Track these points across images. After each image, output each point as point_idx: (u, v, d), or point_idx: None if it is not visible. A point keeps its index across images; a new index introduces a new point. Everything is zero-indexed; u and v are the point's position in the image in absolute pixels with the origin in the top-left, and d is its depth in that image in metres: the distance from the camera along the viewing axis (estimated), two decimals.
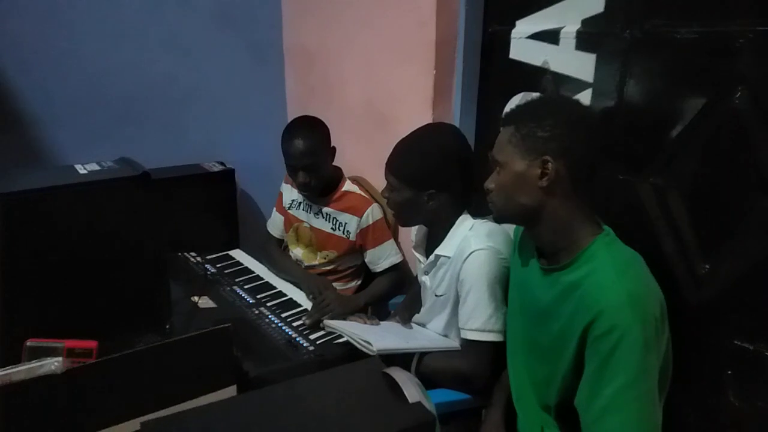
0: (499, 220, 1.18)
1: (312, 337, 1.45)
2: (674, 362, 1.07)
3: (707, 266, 1.16)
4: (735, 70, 1.07)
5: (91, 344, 1.05)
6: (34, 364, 0.89)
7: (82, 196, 1.16)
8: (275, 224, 2.03)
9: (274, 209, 2.04)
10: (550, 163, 1.02)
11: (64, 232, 1.13)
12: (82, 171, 1.22)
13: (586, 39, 1.35)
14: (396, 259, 1.82)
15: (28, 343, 1.03)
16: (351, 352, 1.33)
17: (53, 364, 0.89)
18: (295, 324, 1.51)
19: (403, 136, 1.41)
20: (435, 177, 1.33)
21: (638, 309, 0.94)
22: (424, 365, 1.33)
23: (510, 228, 1.31)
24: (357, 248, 1.85)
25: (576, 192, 1.05)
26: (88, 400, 0.90)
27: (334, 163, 1.86)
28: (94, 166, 1.25)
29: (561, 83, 1.43)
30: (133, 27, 2.17)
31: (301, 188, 1.82)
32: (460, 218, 1.36)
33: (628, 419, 0.95)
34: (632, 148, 1.28)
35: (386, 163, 1.39)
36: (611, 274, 0.98)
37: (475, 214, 1.35)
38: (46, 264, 1.12)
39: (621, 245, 1.06)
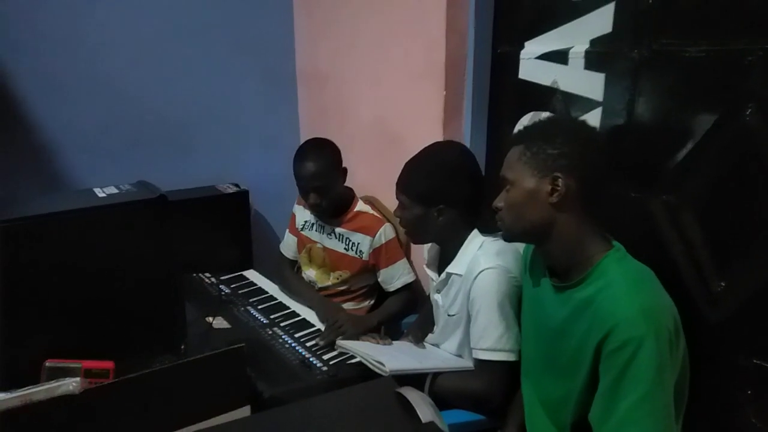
0: (508, 239, 1.19)
1: (325, 357, 1.45)
2: (692, 381, 1.05)
3: (722, 283, 1.15)
4: (745, 87, 1.07)
5: (108, 365, 1.07)
6: (53, 384, 0.90)
7: (101, 218, 1.19)
8: (288, 246, 2.04)
9: (287, 231, 2.05)
10: (560, 180, 1.03)
11: (83, 254, 1.15)
12: (101, 194, 1.25)
13: (595, 58, 1.36)
14: (409, 278, 1.82)
15: (47, 364, 1.06)
16: (364, 372, 1.33)
17: (71, 385, 0.90)
18: (308, 344, 1.51)
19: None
20: (443, 192, 1.34)
21: (652, 322, 0.93)
22: (438, 385, 1.32)
23: (520, 246, 1.31)
24: (370, 268, 1.85)
25: (585, 208, 1.06)
26: (105, 420, 0.90)
27: (346, 184, 1.88)
28: (113, 190, 1.28)
29: (571, 102, 1.44)
30: (151, 53, 2.23)
31: (313, 209, 1.84)
32: (471, 235, 1.36)
33: None
34: (644, 165, 1.28)
35: (396, 183, 1.41)
36: (623, 289, 0.98)
37: (485, 231, 1.35)
38: (65, 285, 1.14)
39: (632, 260, 1.06)
